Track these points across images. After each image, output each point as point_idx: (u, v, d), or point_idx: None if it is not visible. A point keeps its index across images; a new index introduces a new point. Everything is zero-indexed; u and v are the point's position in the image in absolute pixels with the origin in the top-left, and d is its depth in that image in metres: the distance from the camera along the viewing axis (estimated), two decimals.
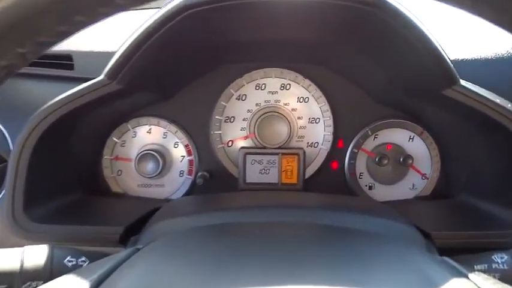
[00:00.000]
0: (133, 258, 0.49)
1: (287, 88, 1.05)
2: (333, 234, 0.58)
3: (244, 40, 0.90)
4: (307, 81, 1.04)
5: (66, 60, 0.96)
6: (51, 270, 0.59)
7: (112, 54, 0.76)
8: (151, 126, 1.04)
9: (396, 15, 0.68)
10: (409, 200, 1.05)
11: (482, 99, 0.74)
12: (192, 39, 0.82)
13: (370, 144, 1.05)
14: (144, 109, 1.03)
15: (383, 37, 0.76)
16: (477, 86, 0.76)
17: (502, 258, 0.61)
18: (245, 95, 1.05)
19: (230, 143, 1.06)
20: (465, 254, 0.64)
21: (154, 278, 0.42)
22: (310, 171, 1.05)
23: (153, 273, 0.43)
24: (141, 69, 0.78)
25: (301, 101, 1.05)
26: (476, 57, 0.95)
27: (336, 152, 1.05)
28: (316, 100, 1.05)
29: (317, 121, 1.06)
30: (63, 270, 0.59)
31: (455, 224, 0.85)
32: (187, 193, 1.05)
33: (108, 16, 0.35)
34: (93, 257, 0.62)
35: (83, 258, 0.61)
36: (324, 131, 1.05)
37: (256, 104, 1.05)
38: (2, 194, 0.88)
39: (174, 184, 1.05)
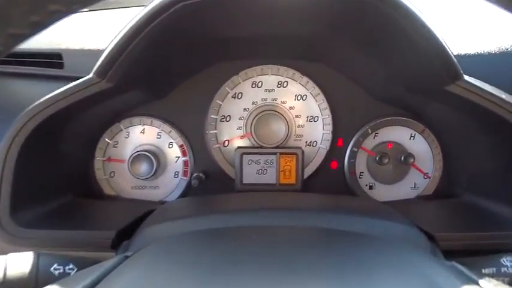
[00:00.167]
0: (121, 266, 0.47)
1: (284, 86, 1.03)
2: (333, 238, 0.56)
3: (240, 35, 0.87)
4: (305, 79, 1.02)
5: (55, 59, 0.95)
6: (37, 279, 0.56)
7: (102, 52, 0.74)
8: (145, 126, 1.02)
9: (397, 6, 0.65)
10: (411, 200, 1.03)
11: (487, 94, 0.72)
12: (184, 35, 0.80)
13: (370, 142, 1.03)
14: (137, 108, 1.01)
15: (383, 31, 0.74)
16: (481, 82, 0.74)
17: (511, 261, 0.58)
18: (241, 93, 1.03)
19: (226, 142, 1.04)
20: (471, 256, 0.62)
21: None
22: (308, 171, 1.03)
23: (141, 283, 0.41)
24: (132, 67, 0.76)
25: (299, 99, 1.03)
26: (479, 52, 0.93)
27: (335, 151, 1.03)
28: (314, 98, 1.03)
29: (315, 119, 1.03)
30: (49, 279, 0.56)
31: (459, 225, 0.83)
32: (183, 195, 1.03)
33: (86, 6, 0.33)
34: (81, 264, 0.59)
35: (71, 266, 0.59)
36: (323, 129, 1.03)
37: (253, 103, 1.03)
38: None
39: (169, 186, 1.03)
